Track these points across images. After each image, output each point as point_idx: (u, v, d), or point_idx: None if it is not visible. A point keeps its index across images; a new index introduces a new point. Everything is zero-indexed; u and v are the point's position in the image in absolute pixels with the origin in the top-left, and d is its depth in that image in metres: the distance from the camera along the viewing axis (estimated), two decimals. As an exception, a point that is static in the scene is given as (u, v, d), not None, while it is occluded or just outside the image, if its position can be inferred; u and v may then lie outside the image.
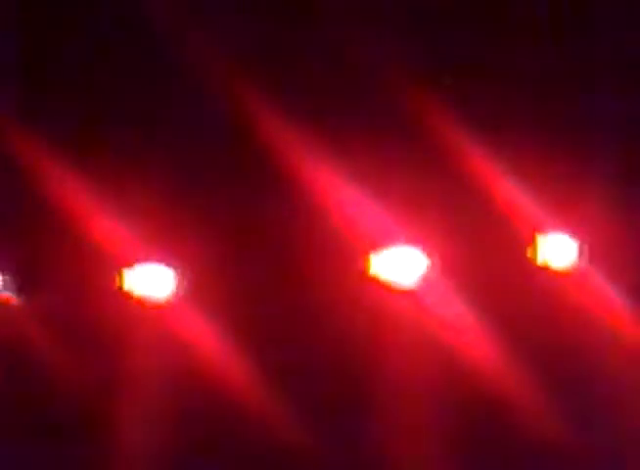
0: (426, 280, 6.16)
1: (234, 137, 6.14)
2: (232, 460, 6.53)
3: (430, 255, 6.14)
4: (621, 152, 6.10)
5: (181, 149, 6.46)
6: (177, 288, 6.54)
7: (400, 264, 6.13)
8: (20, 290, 6.86)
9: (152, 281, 6.54)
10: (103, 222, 6.46)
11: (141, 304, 6.57)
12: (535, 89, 6.10)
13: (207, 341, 6.58)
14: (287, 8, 6.10)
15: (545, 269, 6.18)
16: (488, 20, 6.14)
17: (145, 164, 6.43)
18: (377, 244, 6.14)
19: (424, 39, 5.97)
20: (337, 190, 6.09)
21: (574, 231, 6.10)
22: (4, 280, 6.82)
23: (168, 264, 6.51)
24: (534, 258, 6.14)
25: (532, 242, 6.13)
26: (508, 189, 6.05)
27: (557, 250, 6.15)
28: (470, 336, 6.25)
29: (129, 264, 6.50)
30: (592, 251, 6.17)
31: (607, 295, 6.22)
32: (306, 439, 6.34)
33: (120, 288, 6.55)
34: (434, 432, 6.25)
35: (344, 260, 6.19)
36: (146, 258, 6.51)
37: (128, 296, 6.58)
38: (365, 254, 6.15)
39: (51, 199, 6.40)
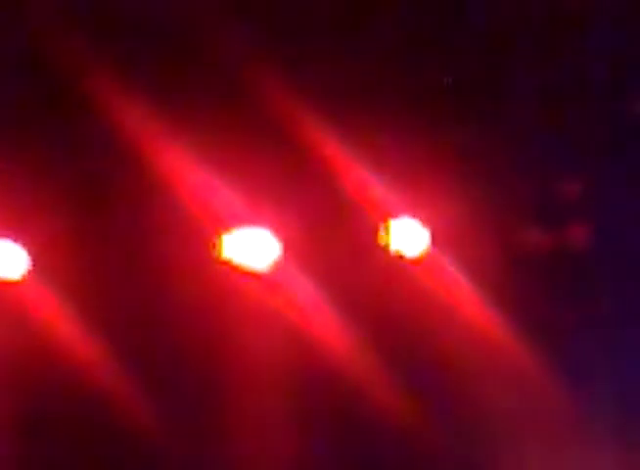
0: (275, 263, 6.15)
1: (84, 115, 6.05)
2: (66, 441, 6.48)
3: (281, 238, 6.14)
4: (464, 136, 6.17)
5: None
6: (29, 268, 6.47)
7: (251, 247, 6.11)
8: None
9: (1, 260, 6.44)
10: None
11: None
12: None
13: (56, 322, 6.52)
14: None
15: (395, 255, 6.22)
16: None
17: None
18: (228, 225, 6.11)
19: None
20: (190, 172, 6.05)
21: (424, 217, 6.14)
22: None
23: (19, 243, 6.42)
24: (386, 244, 6.17)
25: (383, 227, 6.16)
26: (360, 174, 6.07)
27: (408, 236, 6.18)
28: (318, 320, 6.26)
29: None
30: (440, 237, 6.23)
31: (454, 280, 6.29)
32: (148, 422, 6.33)
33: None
34: (281, 414, 6.27)
35: (195, 243, 6.16)
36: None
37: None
38: (216, 235, 6.12)
39: None
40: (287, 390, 6.24)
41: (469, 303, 6.20)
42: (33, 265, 6.44)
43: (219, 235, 6.05)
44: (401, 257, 6.16)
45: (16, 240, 6.34)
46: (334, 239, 6.07)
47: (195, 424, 6.32)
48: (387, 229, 6.11)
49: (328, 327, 6.22)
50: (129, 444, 6.38)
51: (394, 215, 6.11)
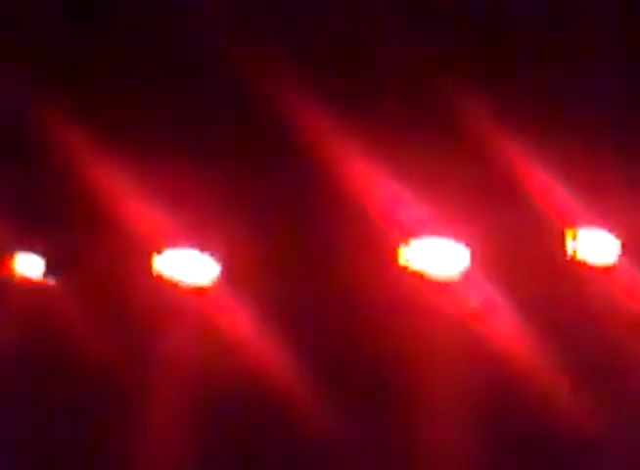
0: (461, 271, 6.19)
1: (271, 127, 6.19)
2: (260, 445, 6.64)
3: (466, 246, 6.17)
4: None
5: (216, 138, 6.54)
6: (213, 274, 6.66)
7: (436, 255, 6.16)
8: (57, 273, 7.03)
9: (184, 266, 6.64)
10: (137, 208, 6.56)
11: (173, 287, 6.69)
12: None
13: (240, 326, 6.69)
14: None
15: (582, 264, 6.19)
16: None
17: (181, 152, 6.52)
18: (412, 234, 6.17)
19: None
20: (375, 182, 6.14)
21: (613, 227, 6.10)
22: (44, 263, 6.99)
23: (204, 250, 6.60)
24: (572, 253, 6.15)
25: (569, 236, 6.14)
26: (547, 182, 6.05)
27: (595, 245, 6.14)
28: (502, 326, 6.29)
29: (161, 249, 6.60)
30: (630, 247, 6.19)
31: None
32: (336, 424, 6.44)
33: (152, 272, 6.68)
34: (466, 419, 6.34)
35: (381, 251, 6.23)
36: (179, 244, 6.61)
37: (160, 279, 6.73)
38: (400, 244, 6.19)
39: (87, 185, 6.52)
40: (473, 396, 6.30)
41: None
42: (222, 272, 6.68)
43: (405, 244, 6.12)
44: (588, 266, 6.14)
45: (204, 248, 6.53)
46: (521, 249, 6.09)
47: (378, 429, 6.43)
48: (574, 238, 6.09)
49: (515, 336, 6.25)
50: (315, 449, 6.54)
51: (582, 224, 6.09)
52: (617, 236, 6.06)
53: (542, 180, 6.02)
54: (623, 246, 6.09)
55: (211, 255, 6.49)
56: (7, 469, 7.18)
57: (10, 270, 7.07)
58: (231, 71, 6.23)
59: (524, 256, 6.15)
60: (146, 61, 6.42)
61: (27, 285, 7.12)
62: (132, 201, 6.43)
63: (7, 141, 6.69)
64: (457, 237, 6.07)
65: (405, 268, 6.16)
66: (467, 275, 6.18)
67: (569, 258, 6.12)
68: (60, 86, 6.41)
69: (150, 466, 6.86)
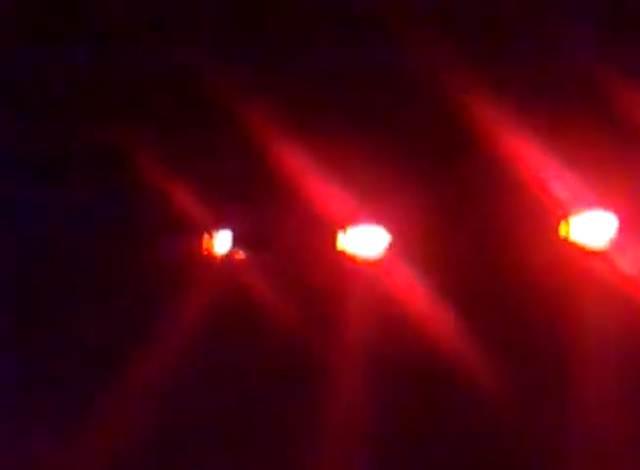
0: (615, 241, 6.69)
1: (441, 113, 6.77)
2: (436, 404, 7.25)
3: (618, 217, 6.68)
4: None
5: (398, 122, 7.14)
6: (387, 247, 7.32)
7: (593, 228, 6.69)
8: (248, 247, 7.79)
9: (364, 241, 7.31)
10: (319, 186, 7.24)
11: (353, 261, 7.37)
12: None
13: (414, 296, 7.32)
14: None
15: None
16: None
17: (358, 133, 7.14)
18: (570, 209, 6.71)
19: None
20: (535, 161, 6.67)
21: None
22: (235, 237, 7.76)
23: (380, 225, 7.28)
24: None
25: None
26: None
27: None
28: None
29: (344, 226, 7.30)
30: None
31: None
32: (504, 385, 7.01)
33: (335, 247, 7.38)
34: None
35: (541, 224, 6.79)
36: (358, 220, 7.28)
37: (342, 254, 7.42)
38: (560, 218, 6.74)
39: (275, 167, 7.21)
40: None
41: None
42: (392, 244, 7.35)
43: (566, 218, 6.68)
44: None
45: (377, 221, 7.21)
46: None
47: (552, 397, 6.97)
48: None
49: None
50: (486, 415, 7.14)
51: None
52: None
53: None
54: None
55: (387, 228, 7.18)
56: (211, 438, 8.04)
57: (206, 247, 7.88)
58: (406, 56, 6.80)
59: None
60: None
61: (221, 260, 7.94)
62: (315, 180, 7.12)
63: (201, 124, 7.39)
64: (606, 207, 6.60)
65: (564, 239, 6.73)
66: (618, 243, 6.70)
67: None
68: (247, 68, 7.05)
69: (340, 427, 7.57)
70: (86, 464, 7.78)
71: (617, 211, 6.69)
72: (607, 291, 6.80)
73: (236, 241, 7.73)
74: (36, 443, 7.82)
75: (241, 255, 7.73)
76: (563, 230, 6.68)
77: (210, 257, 7.88)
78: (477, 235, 6.92)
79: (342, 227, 7.27)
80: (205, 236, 7.79)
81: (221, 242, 7.76)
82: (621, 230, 6.72)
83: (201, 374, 7.89)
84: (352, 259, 7.35)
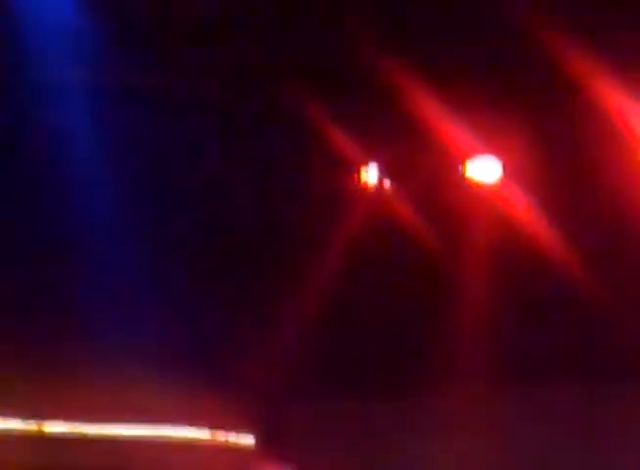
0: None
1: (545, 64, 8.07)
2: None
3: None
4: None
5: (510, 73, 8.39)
6: (504, 175, 8.81)
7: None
8: (391, 177, 9.37)
9: (485, 170, 8.81)
10: (450, 127, 8.70)
11: (476, 187, 8.89)
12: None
13: (528, 216, 8.71)
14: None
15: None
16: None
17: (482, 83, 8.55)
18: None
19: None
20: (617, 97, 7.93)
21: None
22: (381, 170, 9.31)
23: (496, 156, 8.73)
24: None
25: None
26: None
27: None
28: None
29: (468, 157, 8.81)
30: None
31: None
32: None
33: (463, 176, 8.93)
34: None
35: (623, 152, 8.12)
36: (480, 152, 8.75)
37: (469, 182, 8.94)
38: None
39: (414, 110, 8.66)
40: None
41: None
42: (505, 171, 8.82)
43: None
44: None
45: (494, 153, 8.69)
46: None
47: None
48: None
49: None
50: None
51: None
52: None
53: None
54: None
55: (502, 158, 8.62)
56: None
57: (358, 179, 9.45)
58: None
59: None
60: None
61: (370, 191, 9.51)
62: (444, 120, 8.56)
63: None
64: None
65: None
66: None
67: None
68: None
69: (467, 325, 9.11)
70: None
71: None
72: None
73: (382, 173, 9.30)
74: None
75: (387, 184, 9.30)
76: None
77: (363, 187, 9.51)
78: (572, 161, 8.29)
79: (467, 158, 8.80)
80: (359, 169, 9.35)
81: (371, 174, 9.33)
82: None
83: (355, 284, 9.56)
84: (475, 185, 8.91)
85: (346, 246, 9.50)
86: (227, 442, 9.81)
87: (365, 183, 9.38)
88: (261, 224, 9.73)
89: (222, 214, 9.62)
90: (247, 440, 9.83)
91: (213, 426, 9.78)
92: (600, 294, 8.50)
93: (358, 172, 9.39)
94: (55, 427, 9.64)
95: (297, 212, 9.78)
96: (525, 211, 8.67)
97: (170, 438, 9.72)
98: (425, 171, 9.10)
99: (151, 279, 9.15)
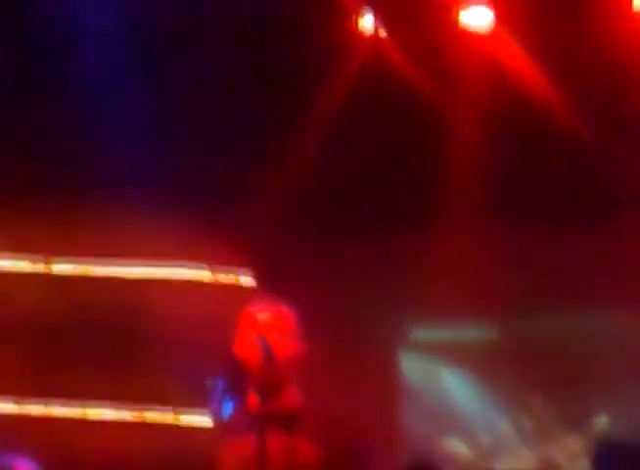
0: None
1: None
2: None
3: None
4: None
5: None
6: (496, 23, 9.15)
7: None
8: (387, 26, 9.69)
9: (477, 17, 9.14)
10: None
11: (470, 36, 9.23)
12: None
13: (522, 62, 9.21)
14: None
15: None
16: None
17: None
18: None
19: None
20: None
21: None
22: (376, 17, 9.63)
23: (490, 5, 9.07)
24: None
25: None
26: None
27: None
28: None
29: (462, 5, 9.12)
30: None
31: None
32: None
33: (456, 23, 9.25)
34: None
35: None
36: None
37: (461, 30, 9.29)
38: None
39: None
40: None
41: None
42: (497, 19, 9.17)
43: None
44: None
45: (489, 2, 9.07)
46: None
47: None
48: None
49: None
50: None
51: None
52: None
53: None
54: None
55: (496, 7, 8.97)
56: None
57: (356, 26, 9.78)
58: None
59: None
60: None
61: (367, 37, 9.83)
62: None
63: None
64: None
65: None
66: None
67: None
68: None
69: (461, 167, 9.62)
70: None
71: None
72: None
73: (378, 20, 9.63)
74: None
75: (382, 32, 9.63)
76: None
77: (359, 35, 9.82)
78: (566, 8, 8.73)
79: (461, 6, 9.12)
80: (355, 17, 9.68)
81: (367, 22, 9.65)
82: None
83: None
84: (469, 34, 9.24)
85: (345, 93, 9.86)
86: (228, 280, 10.44)
87: (361, 31, 9.71)
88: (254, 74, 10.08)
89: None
90: (246, 279, 10.48)
91: (215, 265, 10.39)
92: (593, 138, 9.22)
93: (354, 20, 9.70)
94: (61, 266, 10.29)
95: (293, 64, 10.07)
96: (519, 58, 9.19)
97: (173, 277, 10.37)
98: (419, 19, 9.46)
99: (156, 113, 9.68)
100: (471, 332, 10.89)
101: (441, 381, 10.96)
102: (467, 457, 10.29)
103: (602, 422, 10.37)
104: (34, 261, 10.30)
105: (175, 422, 10.03)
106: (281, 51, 9.90)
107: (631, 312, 9.93)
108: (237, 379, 5.35)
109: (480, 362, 10.58)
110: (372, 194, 10.15)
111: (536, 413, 10.79)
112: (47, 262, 10.34)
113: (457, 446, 10.28)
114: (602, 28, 8.57)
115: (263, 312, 5.26)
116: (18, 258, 10.23)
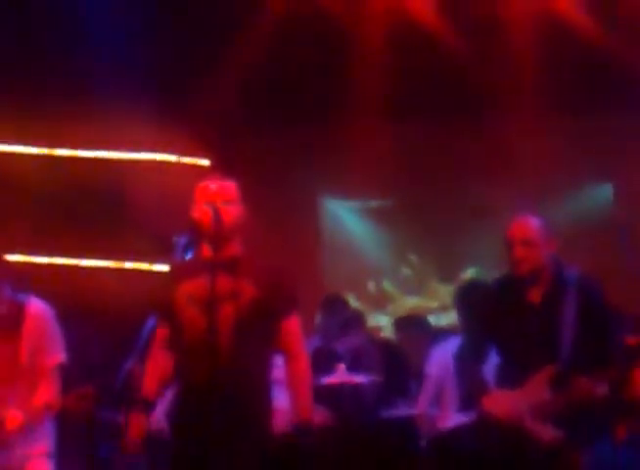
0: None
1: None
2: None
3: None
4: None
5: None
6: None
7: None
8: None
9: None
10: None
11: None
12: None
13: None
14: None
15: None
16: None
17: None
18: None
19: None
20: None
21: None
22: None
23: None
24: None
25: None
26: None
27: None
28: None
29: None
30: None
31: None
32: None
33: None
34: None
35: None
36: None
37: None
38: None
39: None
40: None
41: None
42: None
43: None
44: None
45: None
46: None
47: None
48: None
49: None
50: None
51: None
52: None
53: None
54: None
55: None
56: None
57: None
58: None
59: None
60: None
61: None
62: None
63: None
64: None
65: None
66: None
67: None
68: None
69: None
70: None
71: None
72: None
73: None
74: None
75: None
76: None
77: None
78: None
79: None
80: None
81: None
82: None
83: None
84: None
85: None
86: (189, 162, 11.97)
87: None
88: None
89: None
90: (203, 161, 12.08)
91: (177, 152, 11.86)
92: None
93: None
94: (62, 151, 11.74)
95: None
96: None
97: (148, 159, 11.81)
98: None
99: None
100: (373, 201, 12.90)
101: (351, 234, 12.93)
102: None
103: (469, 274, 12.42)
104: (39, 147, 11.65)
105: (148, 269, 11.52)
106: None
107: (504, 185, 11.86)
108: (194, 236, 6.00)
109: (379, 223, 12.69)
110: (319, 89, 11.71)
111: (415, 268, 13.00)
112: (50, 147, 11.66)
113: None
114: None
115: (213, 185, 5.74)
116: (25, 144, 11.55)
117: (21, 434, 6.15)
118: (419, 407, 8.63)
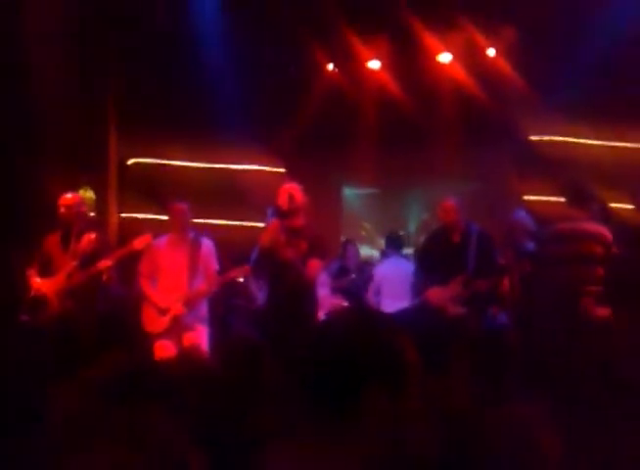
0: None
1: None
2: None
3: None
4: None
5: None
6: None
7: None
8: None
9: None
10: None
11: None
12: None
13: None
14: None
15: None
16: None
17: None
18: None
19: None
20: None
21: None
22: None
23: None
24: None
25: None
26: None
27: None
28: None
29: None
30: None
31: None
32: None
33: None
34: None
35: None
36: None
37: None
38: None
39: None
40: None
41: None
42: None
43: None
44: None
45: None
46: None
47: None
48: None
49: None
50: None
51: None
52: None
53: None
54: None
55: None
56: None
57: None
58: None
59: None
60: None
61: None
62: None
63: None
64: None
65: None
66: None
67: None
68: None
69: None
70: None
71: None
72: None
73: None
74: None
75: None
76: None
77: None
78: None
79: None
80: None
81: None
82: None
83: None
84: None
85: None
86: (273, 170, 17.67)
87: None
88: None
89: None
90: (281, 170, 17.35)
91: (266, 164, 17.48)
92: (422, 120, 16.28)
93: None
94: (215, 165, 17.10)
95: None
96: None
97: (247, 168, 17.25)
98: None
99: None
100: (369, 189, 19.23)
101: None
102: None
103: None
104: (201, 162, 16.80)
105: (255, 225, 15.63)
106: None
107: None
108: (276, 213, 8.74)
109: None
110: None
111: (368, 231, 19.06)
112: (208, 162, 16.94)
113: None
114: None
115: (289, 183, 8.90)
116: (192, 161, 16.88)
117: (187, 311, 10.20)
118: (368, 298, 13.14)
